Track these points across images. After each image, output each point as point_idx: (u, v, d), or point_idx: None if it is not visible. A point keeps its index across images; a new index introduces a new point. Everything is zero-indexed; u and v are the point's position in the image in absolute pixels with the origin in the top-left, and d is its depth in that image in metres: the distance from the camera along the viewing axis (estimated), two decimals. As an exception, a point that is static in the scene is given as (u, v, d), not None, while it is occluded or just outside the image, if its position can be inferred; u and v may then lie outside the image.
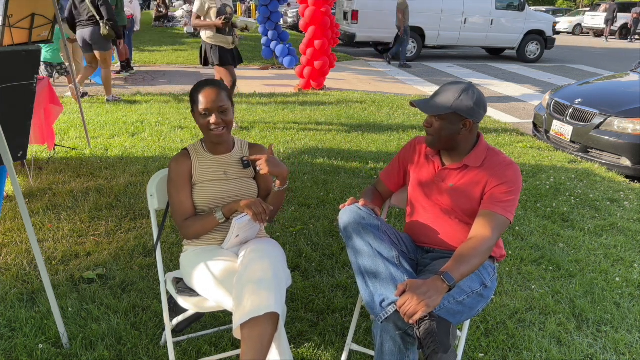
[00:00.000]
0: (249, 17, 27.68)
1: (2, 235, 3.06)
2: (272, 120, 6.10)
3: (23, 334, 2.18)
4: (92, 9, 6.19)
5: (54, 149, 4.58)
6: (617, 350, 2.27)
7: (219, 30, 5.12)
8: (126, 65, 9.07)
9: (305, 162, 4.59)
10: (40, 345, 2.11)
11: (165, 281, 1.98)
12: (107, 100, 6.71)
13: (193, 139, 5.18)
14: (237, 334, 1.63)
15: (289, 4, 19.23)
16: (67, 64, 6.89)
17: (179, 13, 20.92)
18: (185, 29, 17.09)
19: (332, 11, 11.30)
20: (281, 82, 9.07)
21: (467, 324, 1.92)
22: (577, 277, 2.84)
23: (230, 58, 5.30)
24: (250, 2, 26.65)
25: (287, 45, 9.83)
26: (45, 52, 6.44)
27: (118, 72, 8.88)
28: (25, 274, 2.67)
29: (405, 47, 11.29)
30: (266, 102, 7.22)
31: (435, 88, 9.01)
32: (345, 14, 12.88)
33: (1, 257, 2.82)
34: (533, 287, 2.74)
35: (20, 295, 2.47)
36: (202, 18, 5.18)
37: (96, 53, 6.50)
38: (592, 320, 2.46)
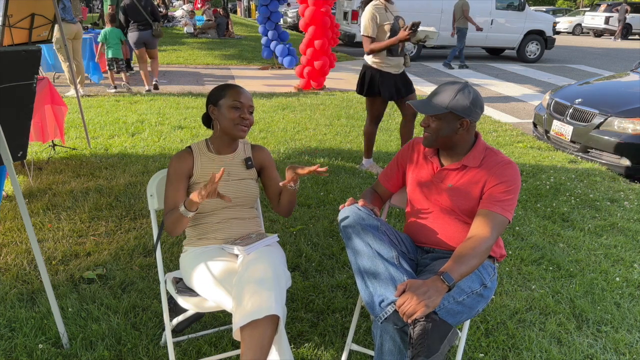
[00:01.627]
0: (249, 16, 27.68)
1: (2, 235, 3.06)
2: (272, 120, 6.10)
3: (23, 334, 2.18)
4: (145, 14, 7.31)
5: (54, 149, 4.58)
6: (617, 350, 2.27)
7: (389, 50, 3.98)
8: (126, 65, 9.09)
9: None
10: (40, 345, 2.11)
11: (165, 281, 1.98)
12: (147, 91, 7.77)
13: (193, 139, 5.18)
14: (237, 335, 1.63)
15: (288, 4, 19.24)
16: (66, 63, 6.90)
17: (178, 13, 20.93)
18: (185, 29, 17.10)
19: (332, 11, 11.29)
20: (281, 82, 9.07)
21: (467, 324, 1.92)
22: (577, 277, 2.84)
23: (394, 89, 4.09)
24: (251, 2, 26.65)
25: (287, 45, 9.83)
26: (108, 50, 7.57)
27: (118, 72, 8.87)
28: (25, 274, 2.67)
29: (463, 48, 11.34)
30: (266, 102, 7.22)
31: (434, 88, 9.02)
32: (345, 14, 12.89)
33: (1, 257, 2.82)
34: (533, 287, 2.74)
35: (20, 295, 2.47)
36: (372, 39, 3.97)
37: (149, 51, 7.70)
38: (592, 320, 2.46)
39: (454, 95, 1.77)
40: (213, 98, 1.96)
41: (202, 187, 1.71)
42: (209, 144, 2.01)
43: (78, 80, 7.15)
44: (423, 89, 8.95)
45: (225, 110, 1.91)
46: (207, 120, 2.06)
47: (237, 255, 1.88)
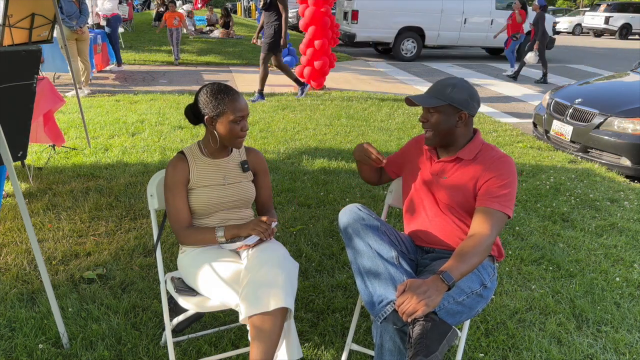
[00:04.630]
0: (249, 16, 27.64)
1: (2, 235, 3.06)
2: (272, 120, 6.10)
3: (23, 334, 2.18)
4: None
5: (54, 149, 4.58)
6: (617, 350, 2.27)
7: None
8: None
9: (305, 162, 4.59)
10: (40, 345, 2.11)
11: (166, 281, 1.98)
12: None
13: (193, 138, 5.18)
14: (245, 320, 1.65)
15: None
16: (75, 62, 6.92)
17: (178, 13, 20.90)
18: (185, 29, 17.10)
19: (332, 11, 11.29)
20: (281, 82, 9.07)
21: (467, 324, 1.92)
22: (577, 277, 2.84)
23: None
24: (251, 2, 26.62)
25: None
26: None
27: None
28: (25, 274, 2.67)
29: None
30: (266, 102, 7.22)
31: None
32: (345, 14, 12.89)
33: (1, 257, 2.82)
34: (533, 287, 2.74)
35: (20, 295, 2.47)
36: None
37: None
38: (592, 320, 2.46)
39: (452, 88, 1.79)
40: (209, 109, 1.84)
41: (254, 224, 1.80)
42: (202, 148, 1.96)
43: (83, 79, 7.17)
44: (423, 88, 8.95)
45: (227, 124, 1.84)
46: (193, 117, 1.92)
47: (239, 254, 1.89)
